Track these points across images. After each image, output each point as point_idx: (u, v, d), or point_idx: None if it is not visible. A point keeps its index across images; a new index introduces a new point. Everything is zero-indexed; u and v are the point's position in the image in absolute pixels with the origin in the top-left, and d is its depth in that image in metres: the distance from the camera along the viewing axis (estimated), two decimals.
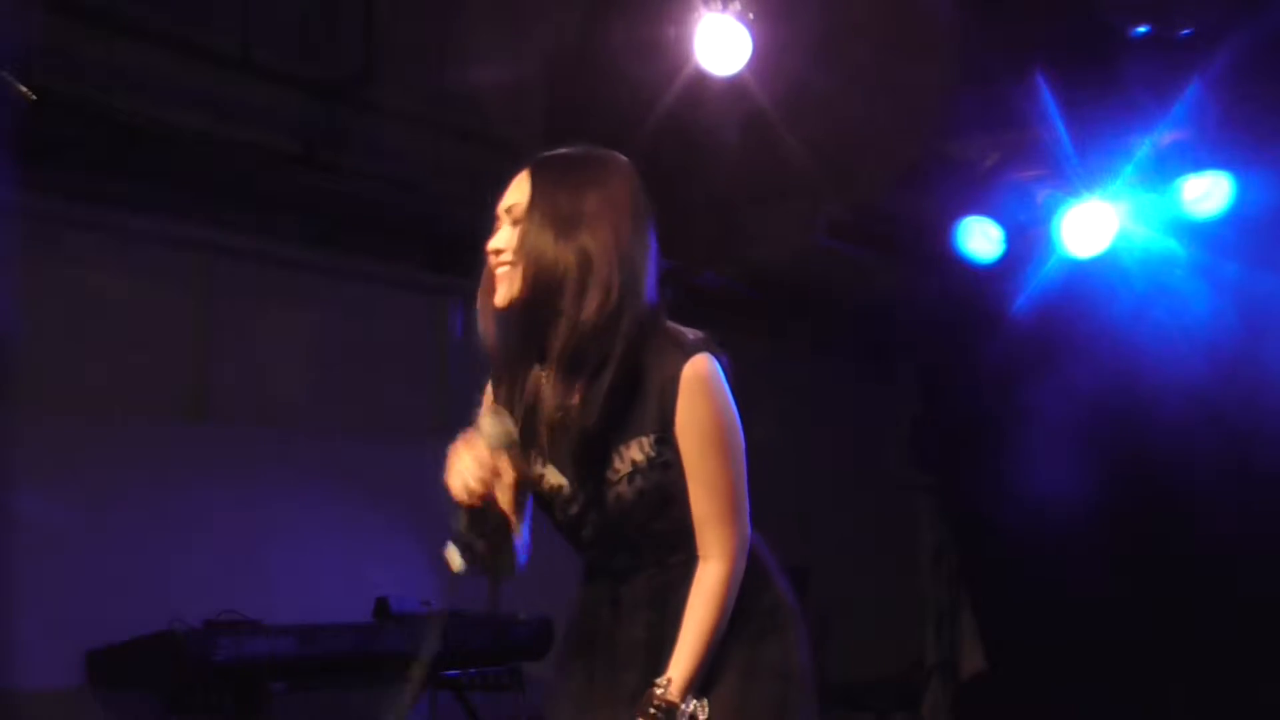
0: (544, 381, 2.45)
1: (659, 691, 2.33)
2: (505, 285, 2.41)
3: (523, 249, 2.38)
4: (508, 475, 2.39)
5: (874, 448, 8.34)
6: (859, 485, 7.96)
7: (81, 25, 4.90)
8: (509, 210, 2.45)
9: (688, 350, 2.36)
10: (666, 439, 2.36)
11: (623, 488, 2.38)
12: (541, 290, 2.36)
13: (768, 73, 5.14)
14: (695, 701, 2.35)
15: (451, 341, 6.43)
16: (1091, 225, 6.12)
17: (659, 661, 2.38)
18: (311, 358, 5.88)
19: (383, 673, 5.40)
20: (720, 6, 4.90)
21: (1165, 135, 5.83)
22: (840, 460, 7.73)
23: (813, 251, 6.49)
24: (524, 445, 2.44)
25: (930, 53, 5.31)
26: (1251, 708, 6.69)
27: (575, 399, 2.38)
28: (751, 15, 4.91)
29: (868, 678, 7.81)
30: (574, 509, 2.45)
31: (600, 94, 5.54)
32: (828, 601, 7.33)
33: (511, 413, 2.45)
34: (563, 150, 2.50)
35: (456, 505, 2.36)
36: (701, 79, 5.11)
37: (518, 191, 2.46)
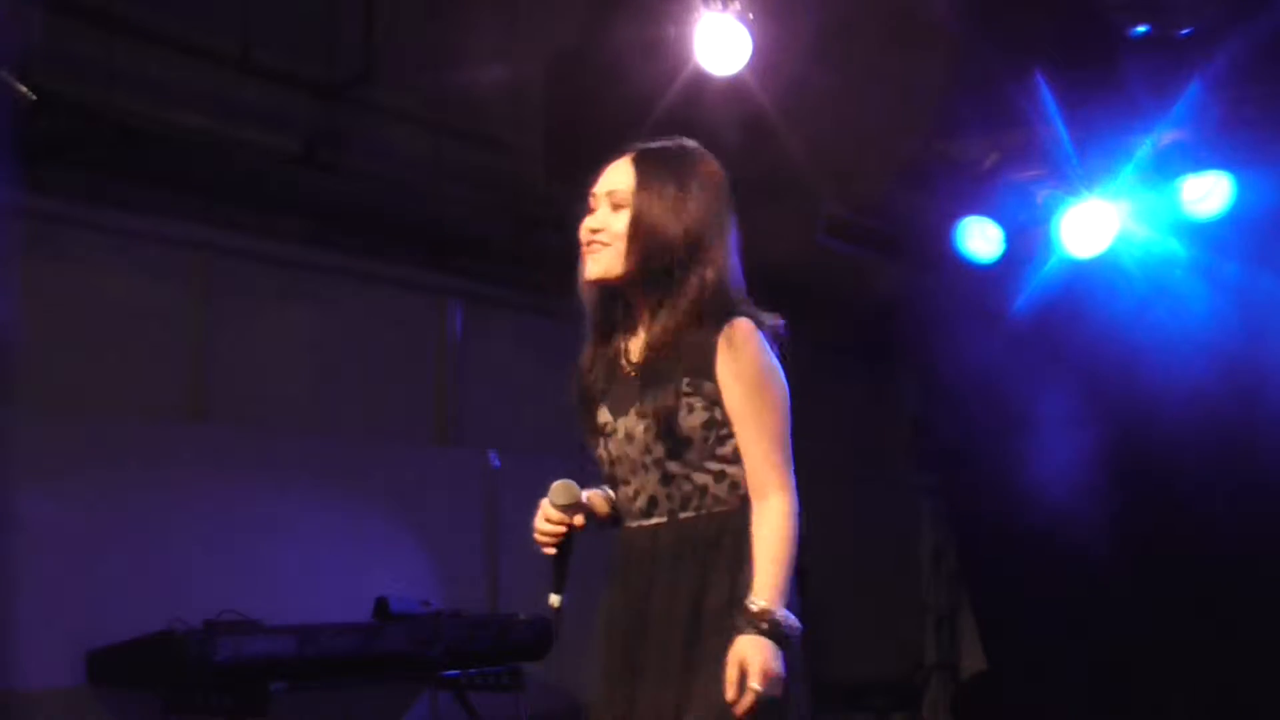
0: (630, 343, 2.70)
1: (754, 606, 2.45)
2: (602, 262, 2.64)
3: (637, 229, 2.61)
4: (579, 522, 2.68)
5: (874, 448, 8.34)
6: (859, 485, 7.96)
7: (81, 25, 4.89)
8: (610, 194, 2.66)
9: (736, 315, 2.60)
10: (698, 386, 2.57)
11: (650, 420, 2.58)
12: (653, 265, 2.60)
13: (768, 73, 5.13)
14: (784, 609, 2.47)
15: (451, 341, 6.43)
16: (1091, 225, 6.12)
17: (648, 608, 2.55)
18: (311, 358, 5.88)
19: (383, 673, 5.42)
20: (720, 6, 4.90)
21: (1165, 135, 5.84)
22: (840, 460, 7.73)
23: (813, 251, 6.49)
24: (597, 394, 2.70)
25: (930, 53, 5.31)
26: (1251, 708, 6.68)
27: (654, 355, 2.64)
28: (751, 15, 4.91)
29: (868, 678, 7.82)
30: (614, 445, 2.66)
31: (600, 94, 5.53)
32: (828, 601, 7.34)
33: (591, 371, 2.71)
34: (660, 143, 2.72)
35: (548, 558, 2.68)
36: (701, 79, 5.11)
37: (619, 177, 2.67)
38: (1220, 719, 6.83)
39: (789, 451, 2.59)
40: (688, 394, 2.57)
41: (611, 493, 2.75)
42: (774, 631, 2.44)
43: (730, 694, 2.42)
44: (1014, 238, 6.47)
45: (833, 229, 6.44)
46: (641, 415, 2.60)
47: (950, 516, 8.30)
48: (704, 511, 2.59)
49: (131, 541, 5.03)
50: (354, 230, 6.03)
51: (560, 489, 2.67)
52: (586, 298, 2.70)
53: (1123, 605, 6.93)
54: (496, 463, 5.81)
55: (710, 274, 2.61)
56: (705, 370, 2.57)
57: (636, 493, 2.64)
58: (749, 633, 2.44)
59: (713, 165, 2.72)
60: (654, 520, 2.62)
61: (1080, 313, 6.60)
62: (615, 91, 5.29)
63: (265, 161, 5.43)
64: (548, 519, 2.66)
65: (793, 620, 2.47)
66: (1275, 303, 6.23)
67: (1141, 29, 5.36)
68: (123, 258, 5.28)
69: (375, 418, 6.10)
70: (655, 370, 2.61)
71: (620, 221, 2.63)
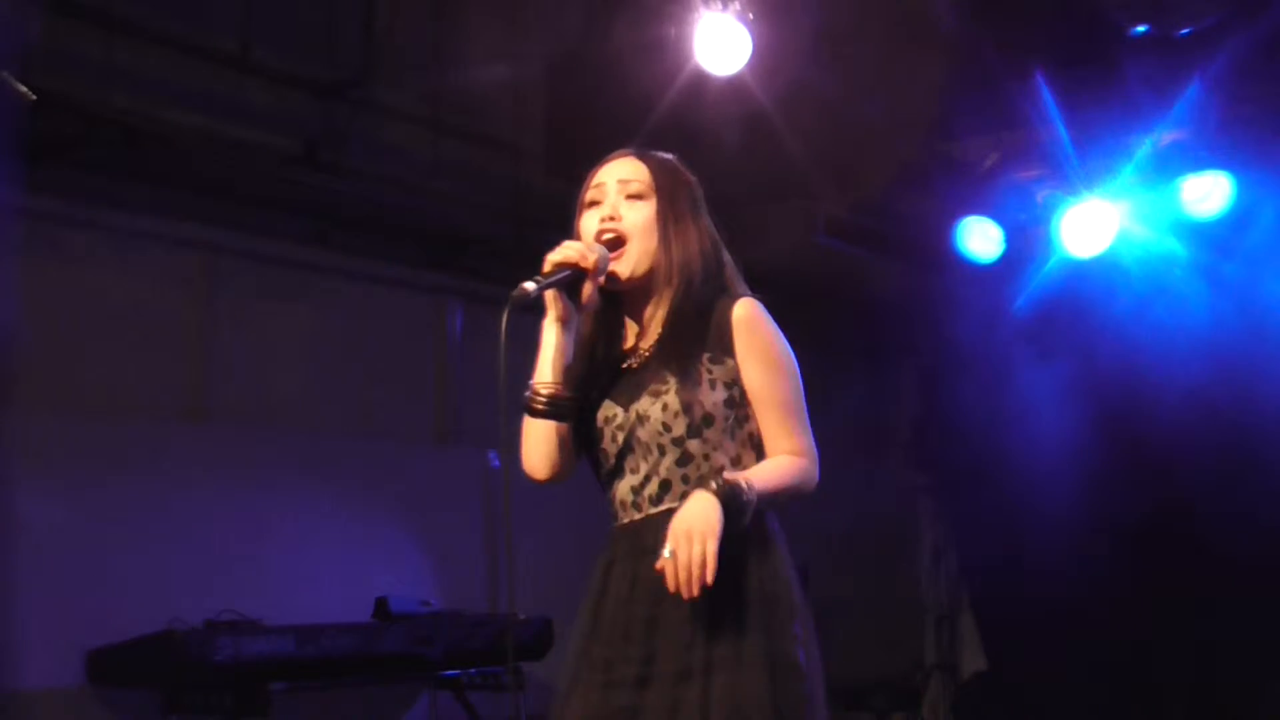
0: (627, 337, 2.70)
1: (726, 473, 2.48)
2: (631, 258, 2.63)
3: (665, 232, 2.64)
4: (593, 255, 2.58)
5: (874, 448, 8.34)
6: (859, 485, 7.96)
7: (81, 25, 4.90)
8: (623, 182, 2.67)
9: (739, 295, 2.65)
10: (720, 360, 2.58)
11: (669, 396, 2.55)
12: (684, 269, 2.63)
13: (768, 73, 5.14)
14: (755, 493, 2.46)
15: (451, 341, 6.43)
16: (1091, 225, 6.12)
17: (661, 605, 2.48)
18: (311, 358, 5.88)
19: (382, 673, 5.42)
20: (720, 6, 4.90)
21: (1165, 135, 5.84)
22: (840, 460, 7.72)
23: (813, 251, 6.49)
24: (593, 393, 2.66)
25: (930, 53, 5.31)
26: (1252, 708, 6.68)
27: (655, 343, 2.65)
28: (751, 15, 4.91)
29: (868, 678, 7.81)
30: (623, 432, 2.61)
31: (600, 94, 5.54)
32: (828, 601, 7.33)
33: (594, 373, 2.68)
34: (648, 150, 2.75)
35: (549, 264, 2.58)
36: (701, 79, 5.11)
37: (629, 169, 2.68)
38: (1220, 719, 6.83)
39: (808, 424, 2.61)
40: (709, 371, 2.57)
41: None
42: (729, 497, 2.44)
43: (670, 545, 2.41)
44: (1014, 238, 6.47)
45: (833, 229, 6.45)
46: (657, 395, 2.56)
47: (950, 516, 8.30)
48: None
49: (131, 541, 5.03)
50: (354, 230, 6.03)
51: (601, 251, 2.62)
52: (589, 298, 2.60)
53: (1123, 605, 6.93)
54: (496, 463, 5.80)
55: (725, 260, 2.70)
56: (725, 346, 2.58)
57: (647, 479, 2.57)
58: (710, 490, 2.44)
59: (690, 174, 2.78)
60: (665, 506, 2.54)
61: (1080, 313, 6.60)
62: (615, 91, 5.29)
63: (265, 161, 5.43)
64: (583, 247, 2.60)
65: (751, 497, 2.45)
66: (1275, 303, 6.23)
67: (1141, 29, 5.36)
68: (123, 258, 5.28)
69: (375, 418, 6.10)
70: (672, 350, 2.60)
71: (638, 212, 2.64)
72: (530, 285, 2.55)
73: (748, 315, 2.59)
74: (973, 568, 8.10)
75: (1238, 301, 6.22)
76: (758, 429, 2.60)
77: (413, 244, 6.27)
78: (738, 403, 2.58)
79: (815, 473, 2.60)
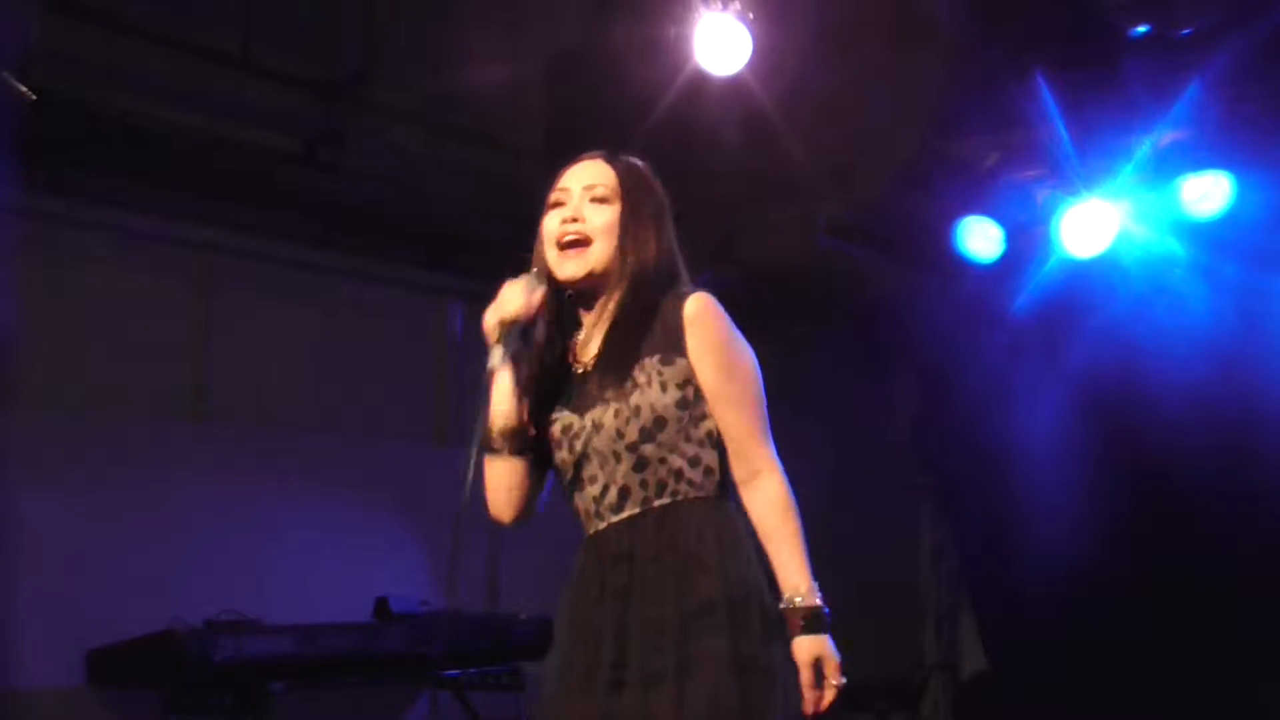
0: (579, 342, 2.68)
1: (801, 603, 2.49)
2: (587, 260, 2.63)
3: (625, 236, 2.63)
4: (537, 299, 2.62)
5: (874, 448, 8.33)
6: (859, 485, 7.96)
7: (81, 25, 4.89)
8: (588, 187, 2.66)
9: (689, 291, 2.61)
10: (670, 361, 2.54)
11: (618, 403, 2.54)
12: (633, 262, 2.62)
13: (768, 73, 5.14)
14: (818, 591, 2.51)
15: (451, 341, 6.43)
16: (1091, 225, 6.12)
17: (630, 609, 2.49)
18: (311, 358, 5.88)
19: (383, 673, 5.42)
20: (720, 6, 4.90)
21: (1165, 135, 5.84)
22: (840, 460, 7.73)
23: (813, 251, 6.49)
24: (541, 395, 2.66)
25: (930, 52, 5.31)
26: (1252, 708, 6.68)
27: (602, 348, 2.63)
28: (751, 15, 4.91)
29: (868, 678, 7.81)
30: (579, 441, 2.59)
31: (600, 94, 5.54)
32: (828, 601, 7.33)
33: (547, 384, 2.67)
34: (617, 153, 2.74)
35: (500, 327, 2.63)
36: (701, 79, 5.11)
37: (597, 173, 2.68)
38: (1220, 719, 6.83)
39: (767, 423, 2.57)
40: (659, 371, 2.54)
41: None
42: (825, 624, 2.49)
43: (810, 696, 2.46)
44: (1014, 238, 6.47)
45: (833, 229, 6.44)
46: (607, 402, 2.55)
47: (950, 516, 8.30)
48: (680, 498, 2.53)
49: (131, 541, 5.03)
50: (354, 230, 6.03)
51: (535, 281, 2.65)
52: (540, 333, 2.68)
53: (1123, 605, 6.93)
54: None
55: (679, 271, 2.68)
56: (676, 345, 2.55)
57: (605, 488, 2.56)
58: (808, 634, 2.48)
59: (654, 177, 2.76)
60: (626, 513, 2.55)
61: (1080, 313, 6.61)
62: (615, 91, 5.29)
63: (265, 161, 5.43)
64: (522, 295, 2.63)
65: (823, 603, 2.51)
66: (1275, 303, 6.23)
67: (1141, 29, 5.36)
68: (123, 258, 5.27)
69: (375, 418, 6.10)
70: (620, 354, 2.58)
71: (601, 215, 2.63)
72: (495, 360, 2.61)
73: (698, 311, 2.56)
74: (973, 568, 8.10)
75: (1238, 301, 6.22)
76: (716, 427, 2.56)
77: (413, 244, 6.27)
78: (692, 402, 2.55)
79: (788, 482, 2.56)
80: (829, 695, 2.47)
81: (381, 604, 5.36)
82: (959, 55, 5.33)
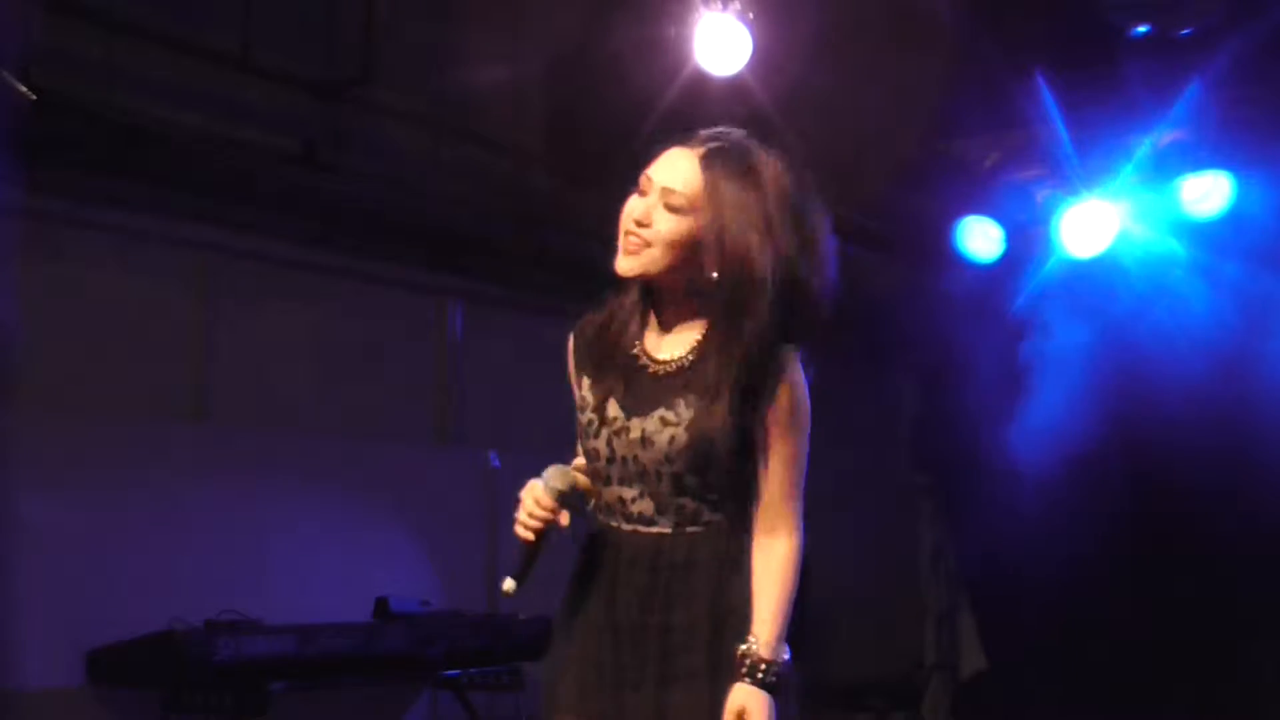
0: (650, 338, 2.58)
1: (751, 647, 2.43)
2: (640, 261, 2.50)
3: (712, 253, 2.48)
4: (564, 520, 2.51)
5: (874, 448, 8.34)
6: (859, 485, 7.96)
7: (81, 25, 4.89)
8: (666, 191, 2.50)
9: (794, 348, 2.51)
10: (752, 404, 2.46)
11: (680, 430, 2.47)
12: (725, 283, 2.47)
13: (768, 73, 5.14)
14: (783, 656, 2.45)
15: (451, 341, 6.43)
16: (1091, 225, 6.12)
17: (654, 610, 2.47)
18: (311, 358, 5.88)
19: (383, 673, 5.42)
20: (720, 6, 4.90)
21: (1165, 135, 5.84)
22: (840, 460, 7.72)
23: None
24: (604, 384, 2.57)
25: (930, 53, 5.31)
26: (1252, 708, 6.69)
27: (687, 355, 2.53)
28: (751, 15, 4.91)
29: (868, 678, 7.81)
30: (619, 441, 2.52)
31: (600, 94, 5.54)
32: (828, 601, 7.33)
33: (602, 359, 2.58)
34: (724, 140, 2.56)
35: (519, 543, 2.52)
36: (701, 79, 5.11)
37: (682, 175, 2.51)
38: (1220, 719, 6.83)
39: (803, 487, 2.53)
40: (737, 414, 2.45)
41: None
42: (773, 685, 2.42)
43: None
44: (1014, 238, 6.47)
45: (833, 229, 6.43)
46: (667, 423, 2.47)
47: (950, 516, 8.30)
48: (707, 529, 2.50)
49: (131, 541, 5.03)
50: (354, 230, 6.02)
51: (558, 474, 2.51)
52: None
53: (1123, 605, 6.93)
54: (496, 463, 5.80)
55: (798, 295, 2.51)
56: (763, 396, 2.46)
57: (636, 498, 2.52)
58: (748, 683, 2.41)
59: (778, 165, 2.57)
60: (655, 529, 2.52)
61: (1080, 313, 6.61)
62: (615, 91, 5.29)
63: (265, 161, 5.43)
64: (539, 504, 2.48)
65: (788, 667, 2.44)
66: (1275, 303, 6.23)
67: (1141, 29, 5.36)
68: (123, 258, 5.27)
69: (375, 417, 6.10)
70: (702, 379, 2.48)
71: (669, 224, 2.48)
72: (510, 584, 2.52)
73: (793, 371, 2.48)
74: (973, 568, 8.10)
75: (1238, 301, 6.22)
76: (758, 481, 2.50)
77: (413, 244, 6.27)
78: (747, 451, 2.48)
79: (800, 556, 2.50)
80: None
81: (381, 604, 5.36)
82: (959, 55, 5.33)
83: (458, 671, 5.56)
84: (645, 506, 2.52)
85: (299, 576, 5.49)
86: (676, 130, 2.62)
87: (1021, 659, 7.51)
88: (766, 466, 2.48)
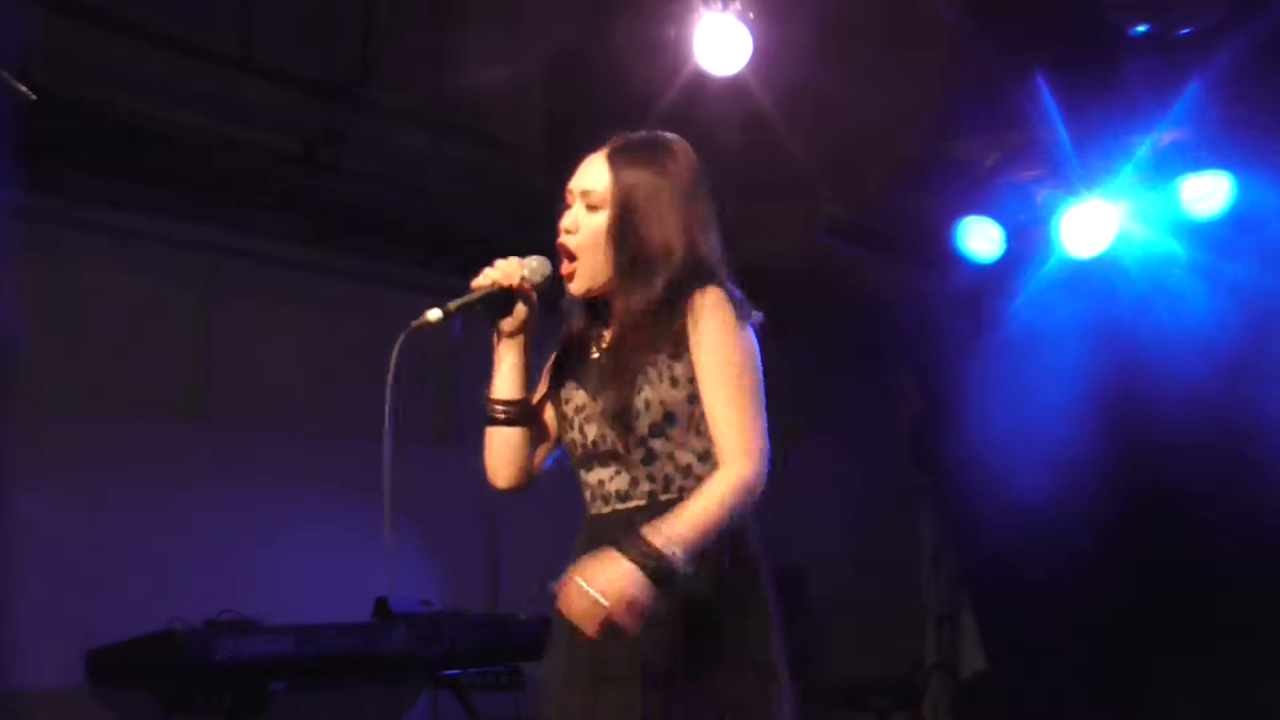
0: (605, 332, 2.67)
1: (652, 538, 2.36)
2: (584, 277, 2.63)
3: (617, 233, 2.58)
4: (524, 288, 2.67)
5: (874, 448, 8.34)
6: (859, 485, 7.96)
7: (81, 25, 4.89)
8: (584, 193, 2.63)
9: (705, 285, 2.54)
10: (679, 357, 2.52)
11: (634, 396, 2.52)
12: (636, 268, 2.57)
13: (768, 73, 5.14)
14: (682, 556, 2.35)
15: (451, 341, 6.42)
16: (1091, 225, 6.12)
17: None
18: (311, 358, 5.88)
19: (383, 673, 5.42)
20: (720, 6, 4.90)
21: (1165, 135, 5.84)
22: (840, 460, 7.73)
23: (812, 251, 6.49)
24: (564, 380, 2.68)
25: (930, 53, 5.32)
26: (1252, 708, 6.68)
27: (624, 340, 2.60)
28: (751, 15, 4.91)
29: (868, 678, 7.81)
30: (590, 426, 2.60)
31: (600, 94, 5.54)
32: (828, 601, 7.34)
33: (569, 361, 2.71)
34: (635, 136, 2.68)
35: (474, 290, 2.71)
36: (701, 79, 5.11)
37: (594, 176, 2.63)
38: (1219, 719, 6.83)
39: (760, 416, 2.49)
40: (670, 368, 2.51)
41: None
42: (655, 570, 2.33)
43: (570, 593, 2.36)
44: (1014, 238, 6.47)
45: (833, 229, 6.44)
46: (619, 392, 2.53)
47: (950, 516, 8.30)
48: (685, 495, 2.48)
49: (132, 541, 5.03)
50: (354, 230, 6.03)
51: (540, 261, 2.66)
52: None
53: (1123, 606, 6.93)
54: None
55: (690, 259, 2.57)
56: (682, 340, 2.51)
57: (613, 475, 2.57)
58: (630, 557, 2.34)
59: (689, 154, 2.66)
60: (630, 504, 2.54)
61: (1080, 313, 6.61)
62: (615, 91, 5.29)
63: (265, 161, 5.43)
64: (510, 262, 2.69)
65: (673, 570, 2.34)
66: (1275, 303, 6.23)
67: (1141, 29, 5.36)
68: (123, 258, 5.27)
69: (375, 417, 6.08)
70: (633, 346, 2.56)
71: (591, 223, 2.61)
72: (434, 314, 2.67)
73: (700, 304, 2.50)
74: (973, 568, 8.10)
75: (1238, 301, 6.22)
76: (708, 421, 2.52)
77: (413, 244, 6.27)
78: (681, 385, 2.52)
79: (754, 477, 2.44)
80: (579, 600, 2.35)
81: (381, 604, 5.36)
82: (959, 55, 5.33)
83: (458, 671, 5.56)
84: (620, 483, 2.57)
85: (299, 576, 5.49)
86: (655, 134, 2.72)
87: (1021, 659, 7.51)
88: (706, 399, 2.50)
